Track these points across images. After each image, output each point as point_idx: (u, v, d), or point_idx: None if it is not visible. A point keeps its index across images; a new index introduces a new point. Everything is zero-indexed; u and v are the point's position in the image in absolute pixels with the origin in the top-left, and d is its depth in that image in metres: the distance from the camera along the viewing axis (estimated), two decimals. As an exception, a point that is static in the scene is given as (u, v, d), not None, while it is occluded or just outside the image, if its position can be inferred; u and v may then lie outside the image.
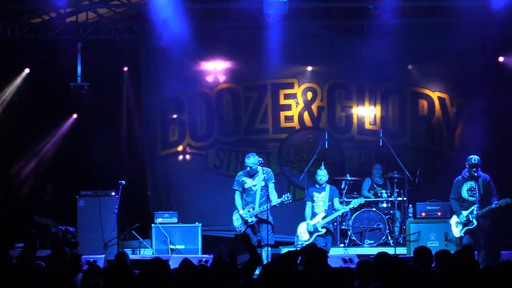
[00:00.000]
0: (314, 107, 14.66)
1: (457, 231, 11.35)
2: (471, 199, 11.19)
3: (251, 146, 13.77)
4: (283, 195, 11.09)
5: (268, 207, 10.83)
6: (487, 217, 11.15)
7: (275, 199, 10.98)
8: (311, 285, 5.78)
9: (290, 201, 11.21)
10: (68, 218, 12.83)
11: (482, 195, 11.13)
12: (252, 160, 11.10)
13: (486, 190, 11.19)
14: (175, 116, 14.72)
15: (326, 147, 13.58)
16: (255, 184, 11.14)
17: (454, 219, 11.43)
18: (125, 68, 14.68)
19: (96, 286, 5.81)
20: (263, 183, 10.96)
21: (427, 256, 7.10)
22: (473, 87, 13.99)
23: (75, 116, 14.75)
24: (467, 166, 11.24)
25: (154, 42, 13.79)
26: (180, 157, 14.61)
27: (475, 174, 11.09)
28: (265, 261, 10.35)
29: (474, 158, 11.21)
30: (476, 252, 10.37)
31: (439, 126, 14.51)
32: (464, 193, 11.30)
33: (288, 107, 14.68)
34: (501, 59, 13.89)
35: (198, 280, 5.72)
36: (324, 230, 11.66)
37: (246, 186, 11.19)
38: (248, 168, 11.12)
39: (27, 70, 14.39)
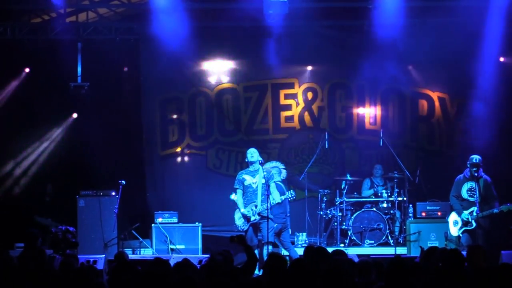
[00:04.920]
0: (314, 107, 14.67)
1: (454, 230, 11.35)
2: (471, 199, 11.18)
3: (251, 146, 13.76)
4: (287, 192, 11.08)
5: (269, 206, 10.81)
6: (486, 218, 11.15)
7: (277, 197, 10.95)
8: (312, 280, 5.79)
9: (294, 198, 11.19)
10: (68, 218, 12.82)
11: (482, 196, 11.12)
12: (253, 150, 11.14)
13: (486, 191, 11.17)
14: (175, 116, 14.74)
15: (326, 147, 13.58)
16: (255, 181, 11.13)
17: (452, 217, 11.41)
18: (125, 68, 14.66)
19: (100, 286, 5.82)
20: (263, 181, 10.94)
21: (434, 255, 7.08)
22: (473, 87, 13.99)
23: (75, 115, 14.70)
24: (468, 165, 11.23)
25: (154, 42, 13.78)
26: (180, 157, 14.61)
27: (475, 174, 11.08)
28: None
29: (475, 158, 11.21)
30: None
31: (439, 126, 14.52)
32: (464, 193, 11.29)
33: (288, 107, 14.68)
34: (501, 59, 13.88)
35: (196, 280, 5.71)
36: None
37: (246, 183, 11.17)
38: (249, 156, 11.11)
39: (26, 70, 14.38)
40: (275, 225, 11.08)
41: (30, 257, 7.84)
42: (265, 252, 10.67)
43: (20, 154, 14.50)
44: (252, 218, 11.02)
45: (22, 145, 14.50)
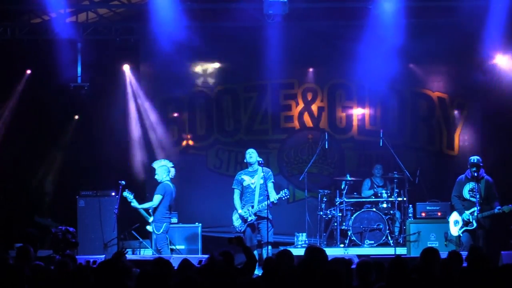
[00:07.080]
0: (314, 107, 14.67)
1: (455, 230, 11.36)
2: (473, 199, 11.15)
3: (251, 146, 13.77)
4: (281, 191, 11.06)
5: (267, 205, 10.80)
6: (487, 218, 11.15)
7: (273, 196, 10.95)
8: (310, 283, 5.78)
9: (288, 196, 11.17)
10: (68, 218, 12.82)
11: (483, 197, 11.12)
12: (252, 150, 11.13)
13: (488, 192, 11.16)
14: (175, 116, 14.73)
15: (326, 147, 13.57)
16: (253, 182, 11.13)
17: (453, 217, 11.42)
18: (125, 68, 14.64)
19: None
20: (262, 181, 10.94)
21: (434, 257, 7.06)
22: (473, 87, 13.99)
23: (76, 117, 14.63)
24: (468, 166, 11.24)
25: (154, 42, 13.78)
26: (180, 157, 14.59)
27: (475, 175, 11.08)
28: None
29: (474, 158, 11.23)
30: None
31: (439, 126, 14.51)
32: (466, 194, 11.29)
33: (288, 107, 14.68)
34: (498, 59, 13.87)
35: (197, 280, 5.71)
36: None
37: (244, 184, 11.18)
38: (248, 157, 11.10)
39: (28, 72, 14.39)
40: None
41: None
42: (264, 252, 10.68)
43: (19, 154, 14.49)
44: (249, 219, 11.02)
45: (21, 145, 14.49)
